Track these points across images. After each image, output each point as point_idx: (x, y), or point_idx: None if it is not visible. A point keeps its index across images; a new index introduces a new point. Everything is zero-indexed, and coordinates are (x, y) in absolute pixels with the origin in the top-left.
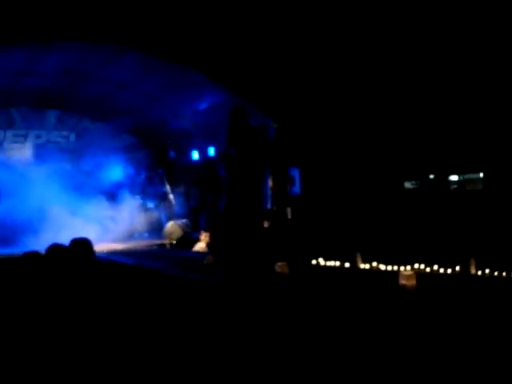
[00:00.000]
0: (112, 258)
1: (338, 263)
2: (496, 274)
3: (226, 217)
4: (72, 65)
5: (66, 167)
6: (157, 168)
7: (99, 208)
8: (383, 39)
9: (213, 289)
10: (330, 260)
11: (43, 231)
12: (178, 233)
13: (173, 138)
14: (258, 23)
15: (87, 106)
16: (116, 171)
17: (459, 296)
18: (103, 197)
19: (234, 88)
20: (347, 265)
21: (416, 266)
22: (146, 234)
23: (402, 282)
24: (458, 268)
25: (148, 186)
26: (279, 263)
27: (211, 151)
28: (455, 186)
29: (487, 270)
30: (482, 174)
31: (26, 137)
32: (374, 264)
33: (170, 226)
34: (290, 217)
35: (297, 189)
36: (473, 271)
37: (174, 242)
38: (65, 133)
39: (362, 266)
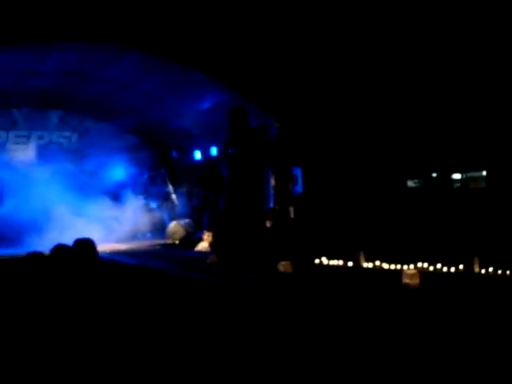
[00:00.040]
0: (115, 258)
1: (341, 262)
2: (499, 272)
3: (226, 217)
4: (74, 65)
5: (69, 167)
6: (159, 168)
7: (102, 208)
8: (386, 37)
9: (216, 288)
10: (333, 259)
11: (47, 231)
12: (181, 233)
13: (175, 138)
14: (260, 23)
15: (89, 106)
16: (119, 171)
17: (463, 295)
18: (106, 197)
19: (236, 87)
20: (350, 264)
21: (419, 264)
22: (149, 234)
23: (406, 280)
24: (461, 267)
25: (151, 186)
26: (282, 262)
27: (214, 151)
28: (458, 185)
29: (491, 269)
30: (484, 172)
31: (28, 137)
32: (377, 263)
33: (173, 225)
34: (292, 216)
35: (299, 188)
36: (476, 270)
37: (177, 241)
38: (67, 133)
39: (365, 264)
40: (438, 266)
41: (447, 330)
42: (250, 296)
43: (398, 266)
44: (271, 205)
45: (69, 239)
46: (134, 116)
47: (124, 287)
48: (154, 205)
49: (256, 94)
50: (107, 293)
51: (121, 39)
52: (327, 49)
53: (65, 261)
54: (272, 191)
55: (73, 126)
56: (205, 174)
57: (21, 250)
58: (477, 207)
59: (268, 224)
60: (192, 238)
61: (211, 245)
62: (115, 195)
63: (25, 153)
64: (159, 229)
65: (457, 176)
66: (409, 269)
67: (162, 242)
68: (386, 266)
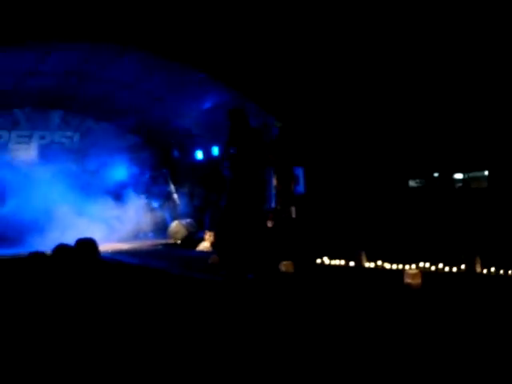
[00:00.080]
0: (117, 257)
1: (342, 262)
2: (501, 272)
3: (228, 216)
4: (74, 65)
5: (71, 167)
6: (161, 168)
7: (104, 208)
8: (388, 36)
9: (218, 288)
10: (334, 259)
11: (49, 231)
12: (183, 232)
13: (176, 138)
14: (261, 23)
15: (90, 106)
16: (120, 171)
17: (464, 295)
18: (108, 197)
19: (237, 87)
20: (352, 264)
21: (421, 264)
22: (151, 234)
23: (407, 280)
24: (463, 266)
25: (152, 186)
26: (284, 262)
27: (215, 151)
28: (460, 185)
29: (492, 269)
30: (486, 172)
31: (30, 137)
32: (379, 263)
33: (175, 225)
34: (294, 216)
35: (301, 188)
36: (478, 269)
37: (179, 241)
38: (69, 133)
39: (367, 264)
40: (440, 265)
41: (449, 330)
42: (252, 296)
43: (400, 266)
44: (273, 205)
45: (71, 239)
46: (135, 116)
47: (126, 287)
48: (155, 204)
49: (257, 94)
50: (109, 292)
51: (121, 39)
52: (328, 49)
53: (67, 260)
54: (274, 191)
55: (74, 126)
56: (206, 173)
57: (23, 250)
58: (479, 207)
59: (270, 224)
60: (194, 237)
61: (213, 245)
62: (117, 195)
63: (27, 153)
64: (161, 228)
65: (459, 176)
66: (411, 269)
67: (163, 241)
68: (387, 265)
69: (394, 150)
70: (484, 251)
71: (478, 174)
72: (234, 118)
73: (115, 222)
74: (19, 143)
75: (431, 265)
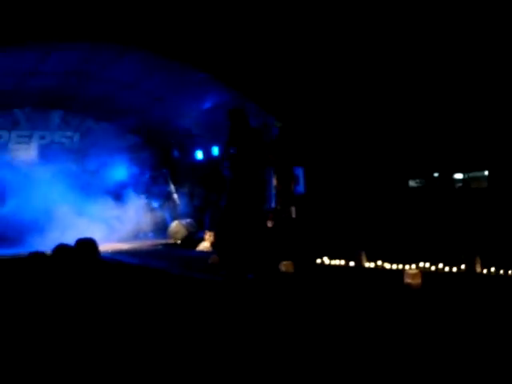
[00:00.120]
0: (117, 257)
1: (342, 262)
2: (501, 272)
3: (228, 216)
4: (75, 65)
5: (71, 167)
6: (161, 168)
7: (104, 208)
8: (389, 36)
9: (218, 288)
10: (334, 259)
11: (49, 231)
12: (183, 232)
13: (176, 138)
14: (262, 23)
15: (91, 106)
16: (120, 171)
17: (464, 295)
18: (108, 197)
19: (237, 87)
20: (352, 264)
21: (421, 264)
22: (151, 234)
23: (407, 280)
24: (463, 266)
25: (152, 186)
26: (284, 262)
27: (215, 151)
28: (460, 185)
29: (492, 269)
30: (486, 172)
31: (30, 137)
32: (379, 263)
33: (175, 225)
34: (294, 216)
35: (301, 188)
36: (478, 270)
37: (179, 241)
38: (69, 133)
39: (367, 264)
40: (440, 265)
41: (449, 330)
42: (252, 296)
43: (400, 266)
44: (273, 205)
45: (71, 239)
46: (135, 116)
47: (126, 287)
48: (155, 204)
49: (257, 94)
50: (109, 292)
51: (122, 39)
52: (329, 48)
53: (67, 260)
54: (274, 191)
55: (74, 126)
56: (206, 173)
57: (23, 250)
58: (479, 207)
59: (270, 224)
60: (194, 237)
61: (213, 245)
62: (117, 195)
63: (27, 153)
64: (161, 228)
65: (459, 176)
66: (411, 269)
67: (163, 241)
68: (387, 265)
69: (394, 150)
70: (484, 251)
71: (478, 174)
72: (233, 118)
73: (115, 222)
74: (19, 143)
75: (431, 265)
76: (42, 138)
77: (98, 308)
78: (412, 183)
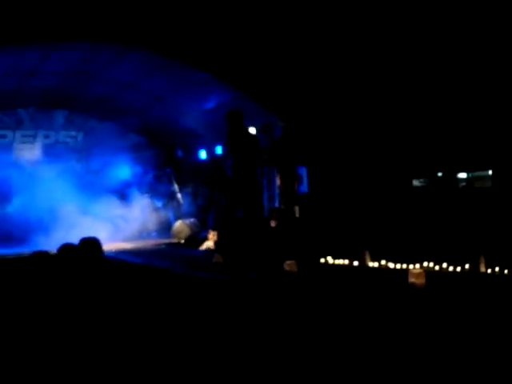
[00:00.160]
0: (121, 257)
1: (346, 262)
2: (506, 272)
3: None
4: (78, 65)
5: (75, 167)
6: (165, 167)
7: (108, 207)
8: (391, 35)
9: (221, 288)
10: (338, 258)
11: (54, 230)
12: (186, 232)
13: (180, 137)
14: (265, 23)
15: (94, 105)
16: (124, 170)
17: (469, 294)
18: (112, 196)
19: (241, 87)
20: (356, 263)
21: (425, 264)
22: (155, 233)
23: (411, 280)
24: (467, 266)
25: (156, 185)
26: (288, 262)
27: (219, 150)
28: (464, 184)
29: (497, 268)
30: (490, 172)
31: (34, 137)
32: (383, 262)
33: (178, 225)
34: (298, 215)
35: (304, 187)
36: (482, 269)
37: (183, 240)
38: (73, 132)
39: (371, 264)
40: (444, 265)
41: (453, 330)
42: (256, 295)
43: (404, 266)
44: (276, 204)
45: (75, 238)
46: (139, 115)
47: (129, 286)
48: (159, 204)
49: (260, 94)
50: (113, 292)
51: (123, 39)
52: (332, 48)
53: (70, 260)
54: (277, 191)
55: (78, 126)
56: (210, 173)
57: (28, 249)
58: (483, 206)
59: (273, 223)
60: (197, 237)
61: (216, 244)
62: (121, 194)
63: (31, 152)
64: (165, 228)
65: (462, 175)
66: (415, 268)
67: (167, 241)
68: (391, 265)
69: (398, 149)
70: (488, 251)
71: (481, 173)
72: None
73: (119, 221)
74: (23, 143)
75: (435, 264)
76: (46, 137)
77: (101, 307)
78: (416, 182)
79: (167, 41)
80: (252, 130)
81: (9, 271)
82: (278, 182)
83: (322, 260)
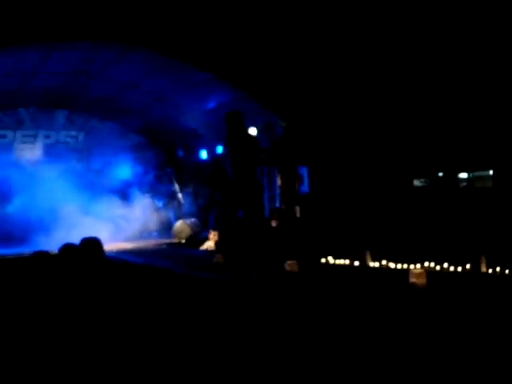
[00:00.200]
0: (122, 257)
1: (347, 261)
2: (507, 272)
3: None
4: (78, 65)
5: (76, 166)
6: (165, 167)
7: (109, 207)
8: (392, 35)
9: (222, 287)
10: (339, 258)
11: (55, 230)
12: (187, 232)
13: (181, 137)
14: (266, 23)
15: (95, 105)
16: (125, 170)
17: (470, 294)
18: (113, 195)
19: (242, 87)
20: (357, 263)
21: (426, 264)
22: (155, 233)
23: (412, 280)
24: (468, 266)
25: (157, 185)
26: (289, 262)
27: (220, 150)
28: (464, 184)
29: (498, 268)
30: (491, 172)
31: (35, 137)
32: (384, 262)
33: (179, 224)
34: (298, 215)
35: (305, 187)
36: (483, 269)
37: (183, 240)
38: (74, 132)
39: (372, 264)
40: (445, 265)
41: (454, 330)
42: (256, 295)
43: (405, 266)
44: (277, 204)
45: (76, 238)
46: (139, 115)
47: (130, 286)
48: (160, 204)
49: (261, 94)
50: (114, 291)
51: (125, 39)
52: (333, 48)
53: (71, 260)
54: (278, 191)
55: (79, 126)
56: (211, 173)
57: (29, 249)
58: (483, 206)
59: (274, 223)
60: (198, 237)
61: (217, 244)
62: (122, 194)
63: (32, 152)
64: (165, 228)
65: (463, 175)
66: (415, 268)
67: (168, 241)
68: (392, 265)
69: (399, 149)
70: (489, 251)
71: (482, 173)
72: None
73: (120, 221)
74: (24, 143)
75: (436, 264)
76: (47, 137)
77: (102, 307)
78: (417, 182)
79: (168, 41)
80: (253, 130)
81: (9, 271)
82: (278, 181)
83: (323, 260)
